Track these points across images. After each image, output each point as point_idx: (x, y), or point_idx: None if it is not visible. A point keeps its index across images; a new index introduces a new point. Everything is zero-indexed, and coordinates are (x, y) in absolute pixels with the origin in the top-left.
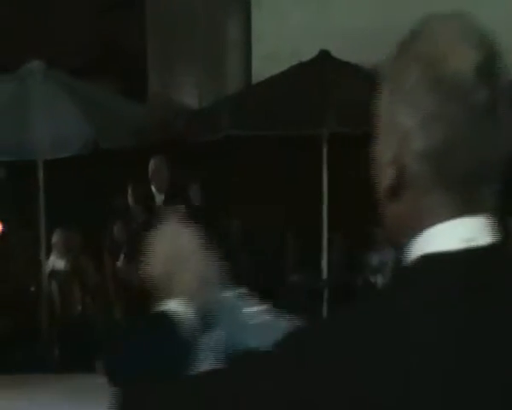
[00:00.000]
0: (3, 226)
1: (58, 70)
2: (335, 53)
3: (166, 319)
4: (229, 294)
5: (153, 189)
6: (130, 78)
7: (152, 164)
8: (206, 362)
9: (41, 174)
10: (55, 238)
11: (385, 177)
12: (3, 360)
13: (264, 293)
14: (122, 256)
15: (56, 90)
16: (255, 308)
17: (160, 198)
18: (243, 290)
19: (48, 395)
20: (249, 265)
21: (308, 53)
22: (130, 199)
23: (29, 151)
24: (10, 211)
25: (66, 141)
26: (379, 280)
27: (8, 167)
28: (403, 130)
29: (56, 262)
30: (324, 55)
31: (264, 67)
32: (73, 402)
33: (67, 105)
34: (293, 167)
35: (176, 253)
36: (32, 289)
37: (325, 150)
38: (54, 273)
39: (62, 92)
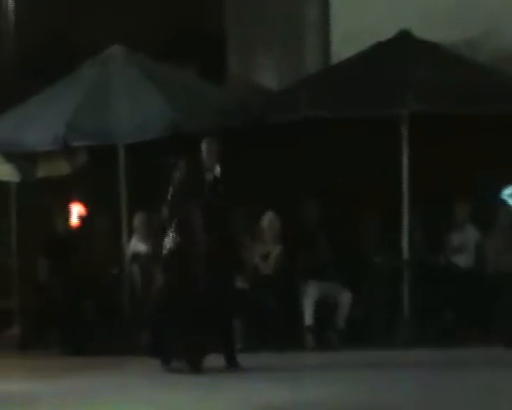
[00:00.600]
0: (86, 210)
1: (139, 54)
2: (415, 32)
3: None
4: None
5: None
6: (210, 61)
7: (203, 144)
8: None
9: (122, 158)
10: (136, 222)
11: None
12: (86, 341)
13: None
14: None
15: (137, 75)
16: None
17: (209, 177)
18: None
19: (128, 376)
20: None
21: (387, 33)
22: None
23: (110, 135)
24: (92, 195)
25: (148, 124)
26: (460, 260)
27: (90, 152)
28: None
29: (138, 245)
30: (404, 35)
31: (342, 47)
32: (154, 383)
33: (148, 89)
34: (373, 148)
35: None
36: (114, 272)
37: (405, 130)
38: (135, 256)
39: (143, 76)
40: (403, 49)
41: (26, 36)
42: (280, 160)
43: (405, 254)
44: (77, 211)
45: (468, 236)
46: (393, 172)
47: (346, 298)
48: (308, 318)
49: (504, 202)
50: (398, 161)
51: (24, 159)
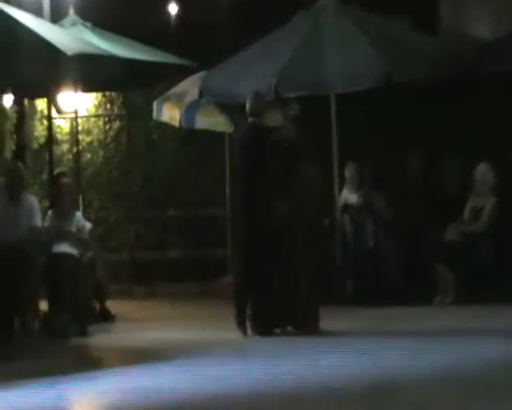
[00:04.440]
0: None
1: (350, 5)
2: None
3: None
4: None
5: None
6: (422, 11)
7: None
8: None
9: (334, 109)
10: (347, 172)
11: None
12: None
13: None
14: None
15: (349, 25)
16: None
17: None
18: None
19: (342, 326)
20: None
21: None
22: None
23: (322, 86)
24: (304, 146)
25: (359, 75)
26: None
27: (301, 103)
28: None
29: (349, 196)
30: None
31: None
32: (368, 335)
33: (360, 40)
34: None
35: None
36: (326, 222)
37: None
38: (346, 207)
39: (355, 27)
40: None
41: None
42: (496, 109)
43: None
44: None
45: None
46: None
47: None
48: None
49: None
50: None
51: (237, 110)
